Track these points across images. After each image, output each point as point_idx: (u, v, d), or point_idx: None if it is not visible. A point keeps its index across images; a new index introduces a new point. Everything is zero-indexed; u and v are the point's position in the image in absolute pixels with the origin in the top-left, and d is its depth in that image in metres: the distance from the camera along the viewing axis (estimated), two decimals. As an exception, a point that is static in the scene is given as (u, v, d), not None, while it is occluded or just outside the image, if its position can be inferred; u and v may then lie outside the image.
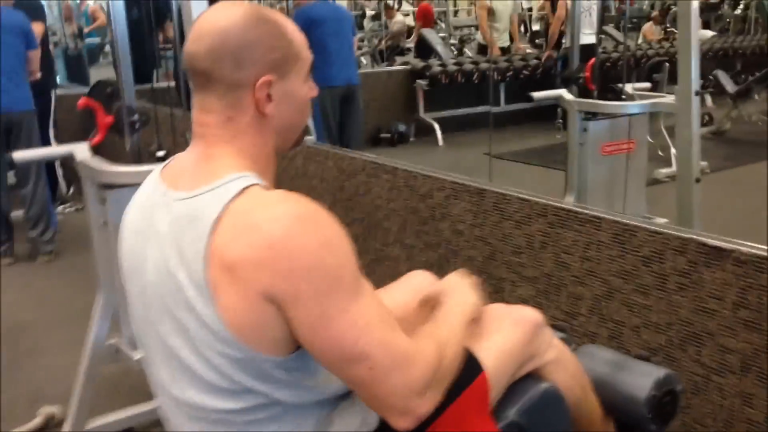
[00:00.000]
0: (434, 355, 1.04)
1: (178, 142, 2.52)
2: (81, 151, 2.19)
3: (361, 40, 9.87)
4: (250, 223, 0.96)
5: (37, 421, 2.38)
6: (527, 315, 1.34)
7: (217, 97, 1.05)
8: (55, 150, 2.41)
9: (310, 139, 4.07)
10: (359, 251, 3.21)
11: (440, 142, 6.94)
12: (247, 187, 0.99)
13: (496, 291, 2.55)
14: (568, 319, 2.33)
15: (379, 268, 3.12)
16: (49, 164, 4.53)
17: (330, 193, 3.34)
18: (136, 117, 2.41)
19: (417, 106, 7.13)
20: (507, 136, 6.73)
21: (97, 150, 2.34)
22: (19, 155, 2.20)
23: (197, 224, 0.98)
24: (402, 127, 6.98)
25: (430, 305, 1.46)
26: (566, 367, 1.34)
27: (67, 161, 5.08)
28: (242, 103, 1.05)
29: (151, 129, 2.67)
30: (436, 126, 6.97)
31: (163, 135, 2.40)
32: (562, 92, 3.19)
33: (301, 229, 0.95)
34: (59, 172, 5.08)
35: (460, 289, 1.28)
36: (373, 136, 6.81)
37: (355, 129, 4.94)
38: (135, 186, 2.25)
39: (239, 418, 1.03)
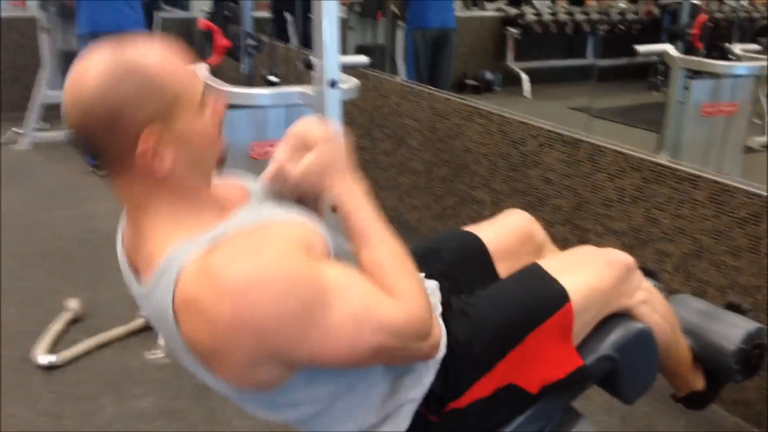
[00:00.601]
0: (420, 299, 1.04)
1: (289, 70, 2.62)
2: (200, 70, 2.31)
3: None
4: (201, 314, 0.93)
5: (139, 321, 2.58)
6: (619, 256, 1.36)
7: (108, 170, 0.99)
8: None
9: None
10: (445, 193, 3.31)
11: (527, 93, 6.85)
12: (182, 270, 0.95)
13: (580, 241, 2.59)
14: (652, 275, 2.36)
15: (464, 211, 3.20)
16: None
17: (421, 132, 3.41)
18: (251, 42, 2.51)
19: (506, 54, 7.04)
20: (595, 91, 6.60)
21: (212, 72, 2.46)
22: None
23: (165, 322, 0.98)
24: (489, 75, 6.91)
25: (534, 248, 1.52)
26: (657, 309, 1.37)
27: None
28: (134, 169, 0.97)
29: (260, 56, 2.77)
30: (524, 76, 6.87)
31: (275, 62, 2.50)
32: (668, 47, 3.13)
33: (246, 301, 0.91)
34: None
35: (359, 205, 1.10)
36: (459, 82, 6.76)
37: (445, 73, 4.93)
38: (248, 108, 2.41)
39: (314, 416, 1.09)
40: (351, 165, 1.10)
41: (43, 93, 4.76)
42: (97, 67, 0.95)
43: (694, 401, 1.54)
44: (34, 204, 3.82)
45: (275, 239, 0.97)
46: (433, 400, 1.15)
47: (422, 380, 1.13)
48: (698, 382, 1.52)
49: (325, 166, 1.07)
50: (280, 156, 1.10)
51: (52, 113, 4.97)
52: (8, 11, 5.80)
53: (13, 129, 4.93)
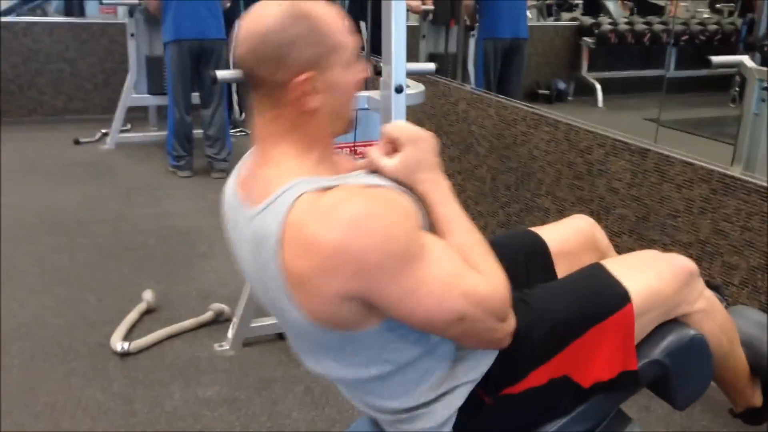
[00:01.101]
0: (503, 280, 1.10)
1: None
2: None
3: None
4: (309, 238, 1.00)
5: (209, 315, 2.69)
6: (683, 261, 1.36)
7: (264, 97, 1.12)
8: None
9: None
10: (510, 200, 3.31)
11: (600, 103, 6.76)
12: (299, 197, 1.04)
13: (645, 252, 2.56)
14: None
15: (528, 218, 3.20)
16: (226, 90, 4.90)
17: (487, 140, 3.43)
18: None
19: (580, 64, 6.96)
20: (673, 103, 6.46)
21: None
22: (222, 74, 2.44)
23: (266, 245, 1.05)
24: (561, 85, 6.86)
25: (597, 254, 1.53)
26: (715, 319, 1.36)
27: (242, 87, 5.43)
28: (287, 101, 1.09)
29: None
30: (598, 86, 6.79)
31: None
32: (744, 59, 3.06)
33: (357, 232, 0.99)
34: (234, 98, 5.47)
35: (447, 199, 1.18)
36: (531, 92, 6.74)
37: (514, 82, 4.94)
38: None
39: (375, 380, 1.15)
40: (437, 163, 1.18)
41: (128, 96, 4.99)
42: (273, 8, 1.09)
43: (751, 417, 1.52)
44: (118, 200, 4.03)
45: (385, 195, 1.07)
46: (490, 383, 1.19)
47: (480, 365, 1.18)
48: (756, 398, 1.50)
49: (414, 163, 1.15)
50: (374, 153, 1.18)
51: (134, 115, 5.23)
52: (100, 18, 6.13)
53: (102, 130, 5.20)
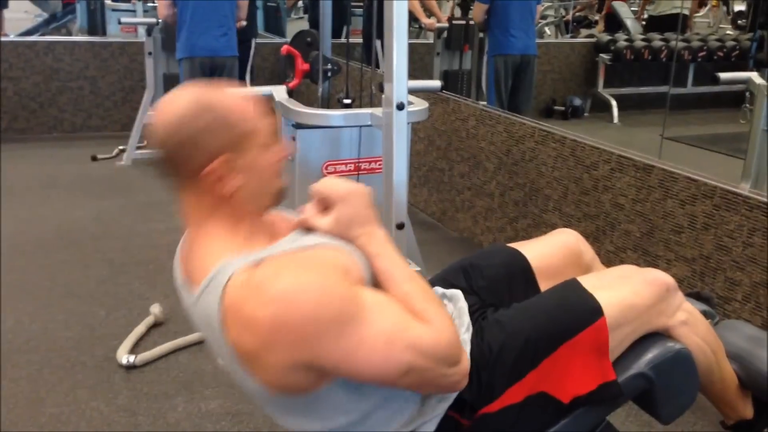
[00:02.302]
0: (448, 325, 1.10)
1: (364, 93, 2.72)
2: (280, 92, 2.45)
3: (547, 9, 9.68)
4: (247, 317, 1.02)
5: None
6: (658, 275, 1.37)
7: (183, 183, 1.15)
8: (258, 90, 2.70)
9: (482, 103, 4.17)
10: (518, 215, 3.32)
11: (615, 119, 6.74)
12: (231, 277, 1.06)
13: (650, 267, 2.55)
14: (722, 304, 2.30)
15: (535, 234, 3.19)
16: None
17: (496, 156, 3.44)
18: (329, 66, 2.64)
19: (596, 80, 6.94)
20: (689, 119, 6.42)
21: (291, 93, 2.60)
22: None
23: (212, 327, 1.08)
24: (577, 101, 6.85)
25: (582, 268, 1.54)
26: (697, 331, 1.36)
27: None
28: (205, 186, 1.12)
29: (340, 78, 2.89)
30: (614, 102, 6.76)
31: (351, 85, 2.61)
32: (752, 75, 3.04)
33: (289, 306, 1.00)
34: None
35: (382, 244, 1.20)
36: (547, 108, 6.74)
37: (525, 99, 4.94)
38: (322, 128, 2.52)
39: (346, 428, 1.16)
40: (372, 216, 1.20)
41: (146, 113, 5.07)
42: (181, 99, 1.13)
43: (743, 429, 1.51)
44: (132, 216, 4.08)
45: (316, 259, 1.08)
46: (465, 406, 1.20)
47: (448, 397, 1.19)
48: (747, 410, 1.49)
49: (347, 219, 1.18)
50: (307, 212, 1.21)
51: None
52: (121, 37, 6.25)
53: (119, 147, 5.29)
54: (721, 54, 6.93)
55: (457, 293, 1.39)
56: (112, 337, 2.67)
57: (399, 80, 2.18)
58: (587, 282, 1.33)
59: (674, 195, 2.48)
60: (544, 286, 1.46)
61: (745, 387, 1.46)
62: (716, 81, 3.12)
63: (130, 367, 2.49)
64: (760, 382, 1.42)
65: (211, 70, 4.38)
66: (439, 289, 1.42)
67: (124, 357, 2.51)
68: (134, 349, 2.59)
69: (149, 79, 5.00)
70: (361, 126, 2.48)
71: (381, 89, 2.51)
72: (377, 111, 2.32)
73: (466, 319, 1.29)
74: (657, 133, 5.54)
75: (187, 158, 1.11)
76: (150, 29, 4.91)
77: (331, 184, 1.21)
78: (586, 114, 6.93)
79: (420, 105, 2.47)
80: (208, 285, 1.09)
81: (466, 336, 1.25)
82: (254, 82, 5.24)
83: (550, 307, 1.30)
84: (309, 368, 1.05)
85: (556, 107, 6.80)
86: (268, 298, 1.01)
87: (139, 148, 5.18)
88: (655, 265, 2.55)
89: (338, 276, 1.05)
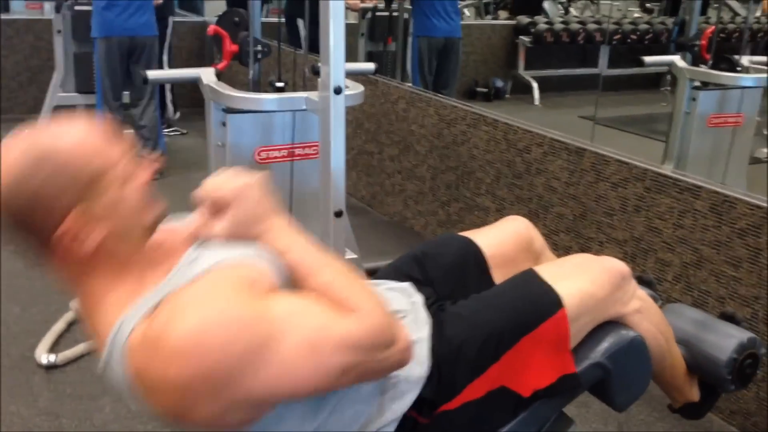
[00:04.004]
0: (376, 305, 1.03)
1: (296, 76, 2.64)
2: (208, 75, 2.33)
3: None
4: (156, 384, 0.93)
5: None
6: (614, 264, 1.35)
7: (40, 250, 0.99)
8: (184, 72, 2.56)
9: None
10: (450, 199, 3.30)
11: (536, 101, 6.85)
12: (128, 338, 0.96)
13: (582, 250, 2.59)
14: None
15: (468, 217, 3.20)
16: (159, 88, 4.77)
17: (427, 139, 3.42)
18: (259, 47, 2.53)
19: (517, 62, 7.04)
20: (605, 101, 6.59)
21: (219, 76, 2.49)
22: (153, 74, 2.36)
23: (129, 395, 0.98)
24: (499, 83, 6.92)
25: (532, 255, 1.52)
26: (651, 319, 1.36)
27: (177, 86, 5.29)
28: (63, 248, 0.97)
29: (268, 61, 2.79)
30: (534, 84, 6.88)
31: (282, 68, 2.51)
32: (675, 59, 3.13)
33: (192, 359, 0.90)
34: (168, 96, 5.32)
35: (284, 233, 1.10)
36: (470, 90, 6.78)
37: (450, 81, 4.94)
38: (254, 112, 2.43)
39: None
40: (270, 207, 1.09)
41: (55, 95, 4.80)
42: (12, 156, 0.95)
43: (690, 411, 1.54)
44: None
45: (212, 288, 0.96)
46: (424, 405, 1.16)
47: (406, 396, 1.14)
48: (693, 393, 1.52)
49: (245, 219, 1.07)
50: (196, 222, 1.09)
51: (61, 115, 5.02)
52: (26, 14, 5.88)
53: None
54: (635, 37, 7.14)
55: (408, 287, 1.34)
56: (29, 335, 2.51)
57: (336, 63, 2.11)
58: (545, 272, 1.31)
59: (606, 178, 2.51)
60: (497, 274, 1.44)
61: (692, 371, 1.49)
62: (641, 64, 3.18)
63: (51, 367, 2.35)
64: (707, 365, 1.45)
65: (130, 51, 4.17)
66: (391, 283, 1.37)
67: (44, 356, 2.36)
68: (54, 348, 2.44)
69: (58, 59, 4.73)
70: (295, 110, 2.40)
71: (314, 72, 2.43)
72: (313, 95, 2.25)
73: (422, 314, 1.25)
74: (576, 115, 5.69)
75: (32, 225, 0.95)
76: (58, 6, 4.63)
77: (217, 185, 1.08)
78: (507, 96, 7.01)
79: (356, 89, 2.41)
80: (110, 349, 0.97)
81: (423, 333, 1.21)
82: (172, 63, 5.02)
83: (511, 299, 1.27)
84: (243, 405, 0.96)
85: (479, 89, 6.85)
86: (170, 352, 0.90)
87: (49, 131, 4.90)
88: (588, 248, 2.60)
89: (242, 298, 0.95)
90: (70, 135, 0.98)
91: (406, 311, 1.25)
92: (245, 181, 1.09)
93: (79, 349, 2.42)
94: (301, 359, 0.95)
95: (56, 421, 2.10)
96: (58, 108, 4.87)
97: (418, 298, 1.30)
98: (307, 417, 1.06)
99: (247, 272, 1.00)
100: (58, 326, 2.54)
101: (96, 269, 1.00)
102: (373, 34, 5.57)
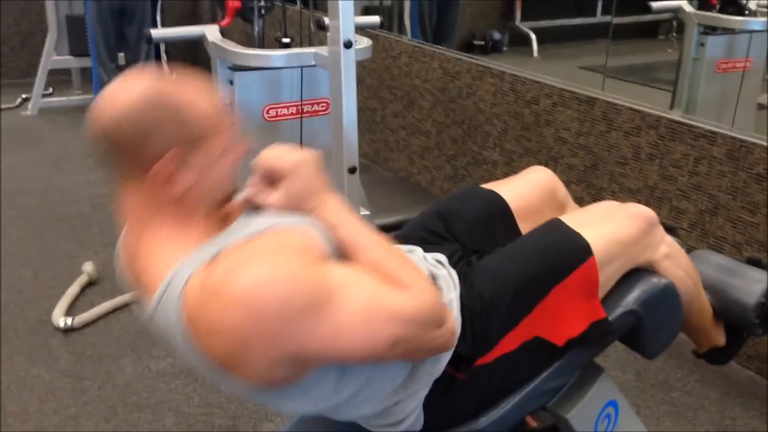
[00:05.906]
0: (426, 285, 1.05)
1: (298, 32, 2.58)
2: (212, 32, 2.29)
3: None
4: (213, 327, 0.94)
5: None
6: (640, 210, 1.35)
7: (129, 178, 1.04)
8: (188, 30, 2.51)
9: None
10: (457, 153, 3.27)
11: (535, 53, 6.77)
12: (187, 282, 0.97)
13: (595, 200, 2.58)
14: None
15: (476, 171, 3.19)
16: (155, 48, 4.69)
17: (431, 94, 3.38)
18: (262, 3, 2.48)
19: (514, 13, 6.95)
20: (602, 50, 6.53)
21: (223, 33, 2.44)
22: (157, 33, 2.31)
23: (176, 338, 0.99)
24: (496, 35, 6.82)
25: (557, 205, 1.52)
26: (680, 264, 1.37)
27: (170, 47, 5.20)
28: (153, 181, 1.01)
29: (270, 17, 2.74)
30: (532, 36, 6.78)
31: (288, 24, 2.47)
32: (683, 3, 3.08)
33: (254, 307, 0.92)
34: (164, 57, 5.24)
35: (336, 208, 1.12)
36: (467, 43, 6.67)
37: (450, 32, 4.89)
38: (262, 69, 2.39)
39: (340, 403, 1.10)
40: (324, 183, 1.11)
41: (49, 58, 4.72)
42: (134, 90, 1.00)
43: (715, 357, 1.56)
44: (46, 169, 3.82)
45: (272, 246, 0.98)
46: (460, 360, 1.16)
47: (441, 358, 1.14)
48: (720, 338, 1.53)
49: (299, 192, 1.09)
50: (253, 189, 1.11)
51: (56, 78, 4.96)
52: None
53: (23, 95, 4.91)
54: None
55: (442, 257, 1.30)
56: (44, 299, 2.51)
57: (346, 17, 2.08)
58: (571, 221, 1.30)
59: (618, 127, 2.50)
60: (523, 226, 1.43)
61: (718, 316, 1.50)
62: (649, 10, 3.13)
63: (68, 330, 2.35)
64: (735, 310, 1.45)
65: (121, 13, 4.09)
66: (423, 253, 1.34)
67: (61, 319, 2.37)
68: (70, 311, 2.44)
69: (51, 22, 4.64)
70: (303, 66, 2.36)
71: (320, 27, 2.39)
72: (322, 50, 2.21)
73: (455, 277, 1.24)
74: (576, 66, 5.63)
75: (134, 155, 1.00)
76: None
77: (275, 156, 1.10)
78: (505, 48, 6.93)
79: (364, 43, 2.37)
80: (164, 293, 0.99)
81: (453, 294, 1.20)
82: (164, 23, 4.93)
83: (539, 250, 1.26)
84: (292, 361, 0.97)
85: (476, 42, 6.75)
86: (232, 299, 0.92)
87: (45, 96, 4.84)
88: (600, 198, 2.59)
89: (299, 259, 0.96)
90: (191, 90, 1.03)
91: (438, 276, 1.24)
92: (302, 156, 1.11)
93: (95, 311, 2.42)
94: (356, 324, 0.96)
95: (79, 383, 2.12)
96: (54, 72, 4.80)
97: (452, 271, 1.27)
98: (345, 379, 1.07)
99: (300, 238, 1.02)
100: (73, 289, 2.54)
101: (167, 211, 1.04)
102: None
